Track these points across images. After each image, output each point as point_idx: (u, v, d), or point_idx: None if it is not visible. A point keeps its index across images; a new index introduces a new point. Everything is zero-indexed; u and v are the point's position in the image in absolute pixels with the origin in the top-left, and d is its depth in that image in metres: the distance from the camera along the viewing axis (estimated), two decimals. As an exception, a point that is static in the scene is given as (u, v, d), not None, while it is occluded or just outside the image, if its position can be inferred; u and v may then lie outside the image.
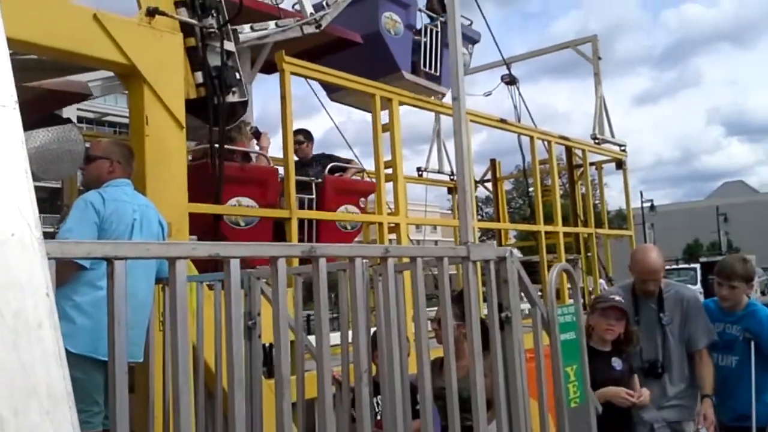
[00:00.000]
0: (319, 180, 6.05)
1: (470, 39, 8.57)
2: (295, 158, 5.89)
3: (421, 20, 7.89)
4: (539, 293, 3.31)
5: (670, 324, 4.47)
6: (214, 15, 4.79)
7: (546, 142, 8.47)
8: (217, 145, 4.84)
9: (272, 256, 1.88)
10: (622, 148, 9.90)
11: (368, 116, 6.22)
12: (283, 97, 5.10)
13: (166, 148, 4.36)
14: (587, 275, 10.06)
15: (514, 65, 10.69)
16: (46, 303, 1.27)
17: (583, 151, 9.23)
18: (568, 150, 9.84)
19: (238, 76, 4.90)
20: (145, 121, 4.26)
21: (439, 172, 10.82)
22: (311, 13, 5.70)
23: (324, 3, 5.83)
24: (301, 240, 5.41)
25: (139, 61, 4.20)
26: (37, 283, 1.26)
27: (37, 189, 1.37)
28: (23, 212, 1.26)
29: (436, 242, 26.44)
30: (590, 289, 9.78)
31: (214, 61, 4.76)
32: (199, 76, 4.67)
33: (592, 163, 9.91)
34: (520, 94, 9.32)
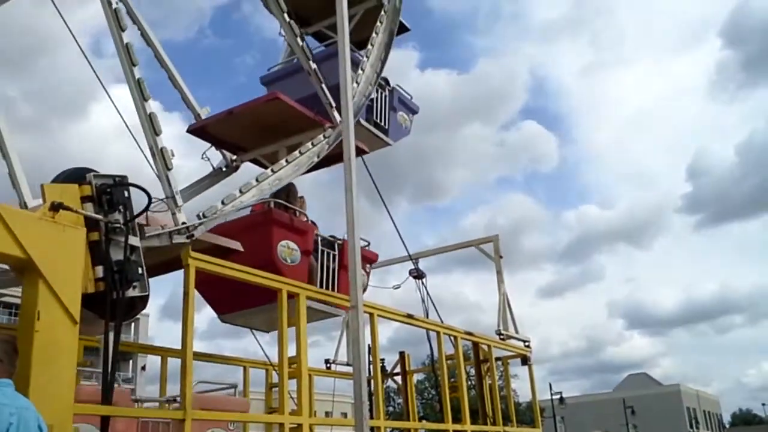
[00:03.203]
0: (340, 241, 7.74)
1: (411, 109, 9.88)
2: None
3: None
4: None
5: None
6: (121, 210, 4.81)
7: (453, 337, 8.57)
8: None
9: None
10: (527, 344, 10.11)
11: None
12: (186, 293, 5.03)
13: (56, 345, 4.15)
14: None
15: (426, 257, 11.09)
16: None
17: (489, 346, 9.37)
18: (475, 344, 9.97)
19: (140, 271, 4.84)
20: (36, 316, 4.08)
21: (348, 364, 10.66)
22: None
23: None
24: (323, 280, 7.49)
25: (37, 256, 4.10)
26: None
27: None
28: None
29: (346, 435, 25.49)
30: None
31: (117, 255, 4.71)
32: (100, 271, 4.58)
33: (498, 359, 10.03)
34: (426, 289, 9.55)
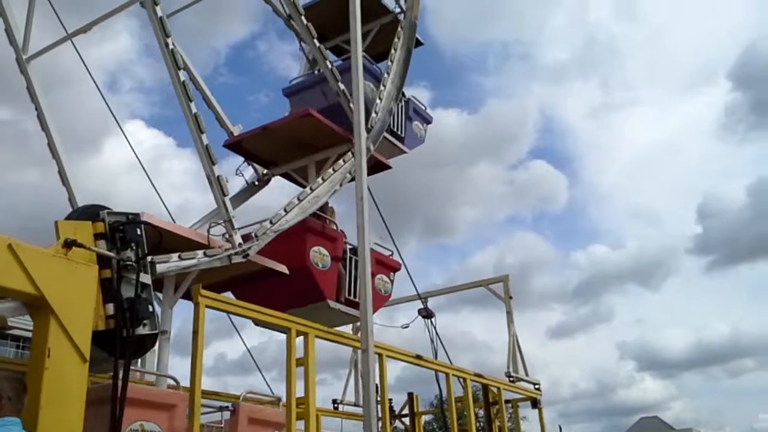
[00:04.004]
0: None
1: (425, 119, 10.33)
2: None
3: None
4: None
5: None
6: (133, 248, 4.84)
7: (462, 379, 8.49)
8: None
9: None
10: (537, 386, 9.99)
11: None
12: (195, 332, 5.02)
13: (65, 383, 4.13)
14: None
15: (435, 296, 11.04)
16: None
17: (499, 389, 9.26)
18: (485, 387, 9.87)
19: (151, 309, 4.84)
20: (46, 353, 4.08)
21: (356, 405, 10.57)
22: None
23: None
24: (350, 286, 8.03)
25: (50, 293, 4.11)
26: None
27: None
28: None
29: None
30: None
31: (128, 292, 4.72)
32: (110, 308, 4.59)
33: (507, 401, 9.91)
34: (436, 329, 9.49)
